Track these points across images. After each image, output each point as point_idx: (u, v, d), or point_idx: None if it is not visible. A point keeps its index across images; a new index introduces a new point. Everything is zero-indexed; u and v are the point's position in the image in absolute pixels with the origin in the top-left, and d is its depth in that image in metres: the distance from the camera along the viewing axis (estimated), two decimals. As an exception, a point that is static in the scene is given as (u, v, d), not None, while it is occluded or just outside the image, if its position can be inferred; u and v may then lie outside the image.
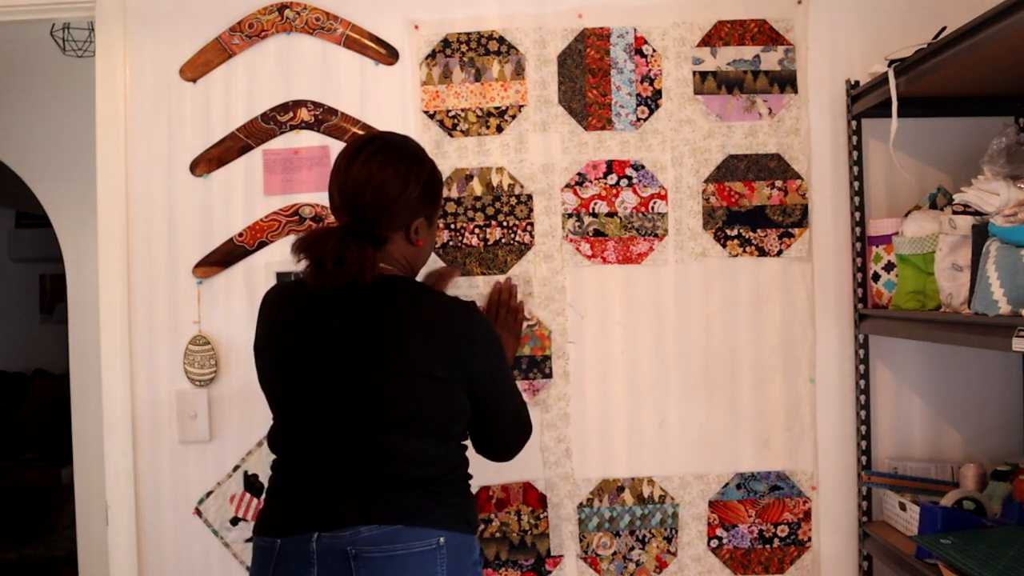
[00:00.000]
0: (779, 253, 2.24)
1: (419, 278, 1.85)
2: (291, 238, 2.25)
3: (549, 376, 2.24)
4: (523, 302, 2.22)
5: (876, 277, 2.11)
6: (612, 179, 2.25)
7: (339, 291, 1.58)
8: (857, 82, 2.18)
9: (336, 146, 2.25)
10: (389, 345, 1.59)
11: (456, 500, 1.64)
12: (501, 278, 2.21)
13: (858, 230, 2.19)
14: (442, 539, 1.56)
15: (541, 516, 2.24)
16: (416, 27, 2.26)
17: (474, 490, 2.21)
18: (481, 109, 2.25)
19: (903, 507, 2.06)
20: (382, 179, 1.62)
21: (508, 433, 1.78)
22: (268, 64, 2.26)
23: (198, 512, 2.24)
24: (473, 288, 2.24)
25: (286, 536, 1.56)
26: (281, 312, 1.68)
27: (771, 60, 2.25)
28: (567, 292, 2.24)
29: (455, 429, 1.67)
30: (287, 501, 1.61)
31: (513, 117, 2.25)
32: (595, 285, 2.24)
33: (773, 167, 2.25)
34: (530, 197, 2.25)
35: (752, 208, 2.24)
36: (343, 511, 1.54)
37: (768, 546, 2.24)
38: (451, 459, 1.67)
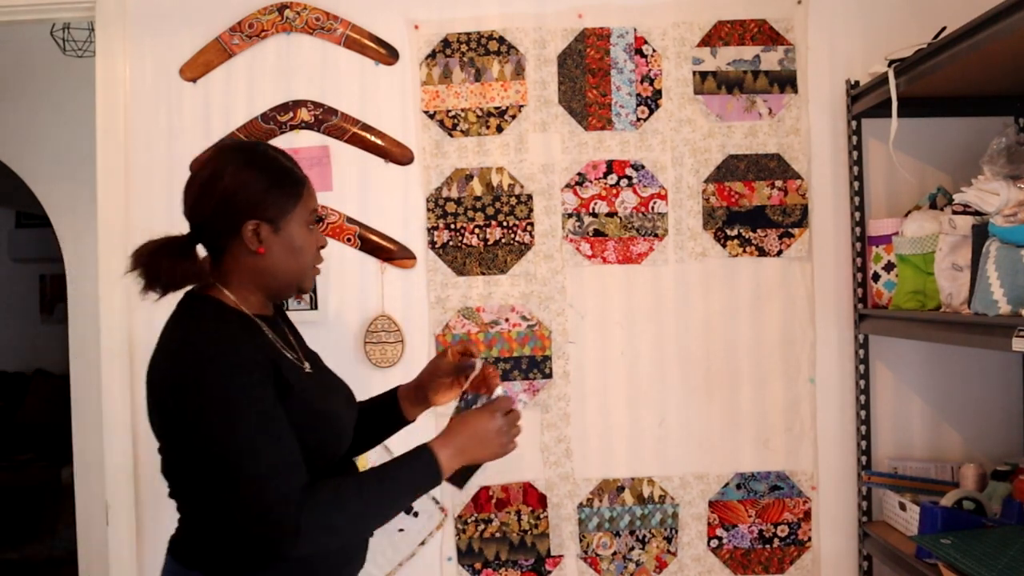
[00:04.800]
0: (779, 253, 2.24)
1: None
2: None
3: (549, 376, 2.24)
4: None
5: (876, 277, 2.11)
6: (612, 179, 2.25)
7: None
8: (857, 82, 2.18)
9: (336, 146, 2.25)
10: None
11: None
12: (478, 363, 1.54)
13: (858, 230, 2.19)
14: None
15: (541, 516, 2.24)
16: (416, 27, 2.26)
17: (474, 490, 2.22)
18: (481, 109, 2.25)
19: (903, 507, 2.06)
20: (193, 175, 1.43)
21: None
22: (268, 64, 2.26)
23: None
24: (472, 288, 2.24)
25: None
26: None
27: (771, 60, 2.25)
28: (567, 292, 2.24)
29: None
30: None
31: (513, 117, 2.25)
32: (595, 285, 2.24)
33: (773, 167, 2.24)
34: (530, 197, 2.25)
35: (752, 208, 2.24)
36: None
37: (768, 546, 2.24)
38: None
